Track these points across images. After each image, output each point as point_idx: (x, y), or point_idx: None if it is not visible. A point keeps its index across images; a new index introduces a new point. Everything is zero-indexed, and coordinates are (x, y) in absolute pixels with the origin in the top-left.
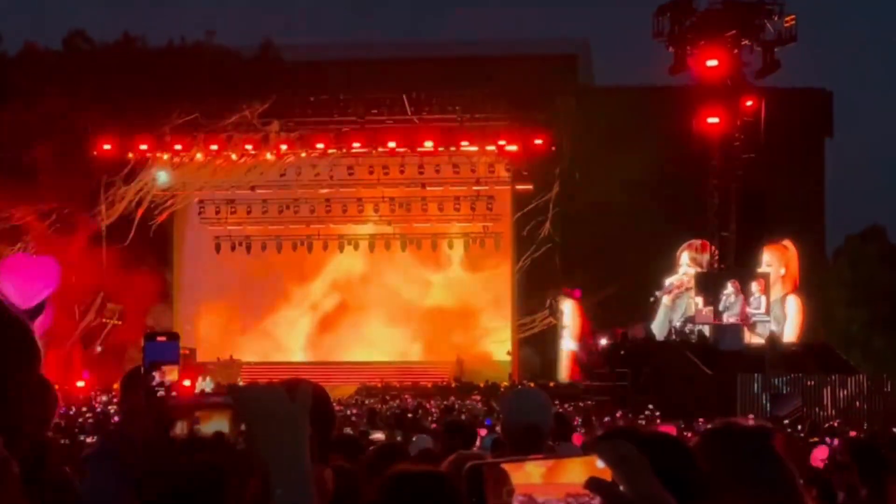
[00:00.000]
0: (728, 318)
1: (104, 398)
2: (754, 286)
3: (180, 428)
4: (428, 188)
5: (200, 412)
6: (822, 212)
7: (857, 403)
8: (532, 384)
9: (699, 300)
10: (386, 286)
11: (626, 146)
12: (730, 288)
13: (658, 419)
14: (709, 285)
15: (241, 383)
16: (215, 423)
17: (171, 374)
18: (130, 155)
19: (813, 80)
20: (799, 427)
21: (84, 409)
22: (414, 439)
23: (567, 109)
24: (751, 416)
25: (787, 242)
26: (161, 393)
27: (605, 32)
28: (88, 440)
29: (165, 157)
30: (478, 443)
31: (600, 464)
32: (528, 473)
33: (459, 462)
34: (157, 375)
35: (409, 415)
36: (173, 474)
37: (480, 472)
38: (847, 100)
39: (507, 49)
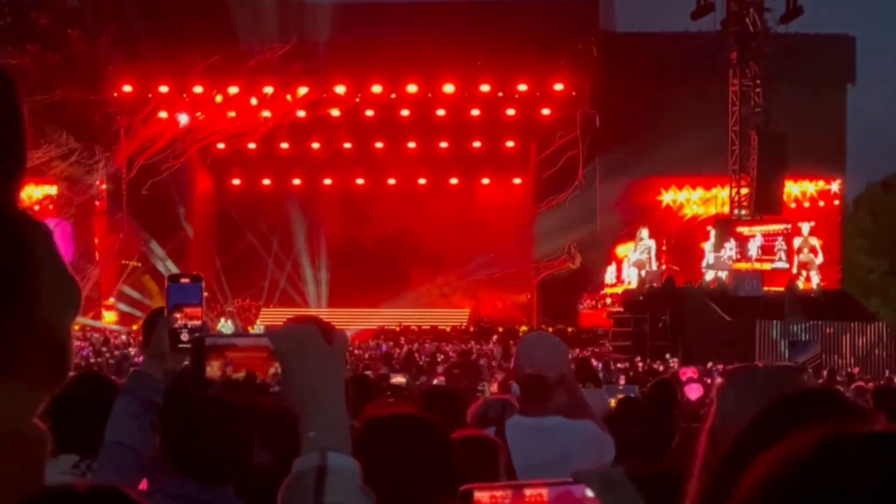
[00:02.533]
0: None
1: (123, 338)
2: (774, 232)
3: (213, 369)
4: (448, 132)
5: (234, 353)
6: (844, 159)
7: (877, 351)
8: (550, 329)
9: (727, 247)
10: (406, 230)
11: (648, 92)
12: (758, 237)
13: (676, 365)
14: (728, 231)
15: (260, 326)
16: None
17: (194, 315)
18: (151, 96)
19: (836, 26)
20: (825, 373)
21: (104, 349)
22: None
23: (588, 55)
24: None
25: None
26: (184, 335)
27: None
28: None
29: (185, 98)
30: (494, 388)
31: (589, 492)
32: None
33: (487, 405)
34: (179, 317)
35: (422, 356)
36: (195, 414)
37: (471, 495)
38: (870, 46)
39: None
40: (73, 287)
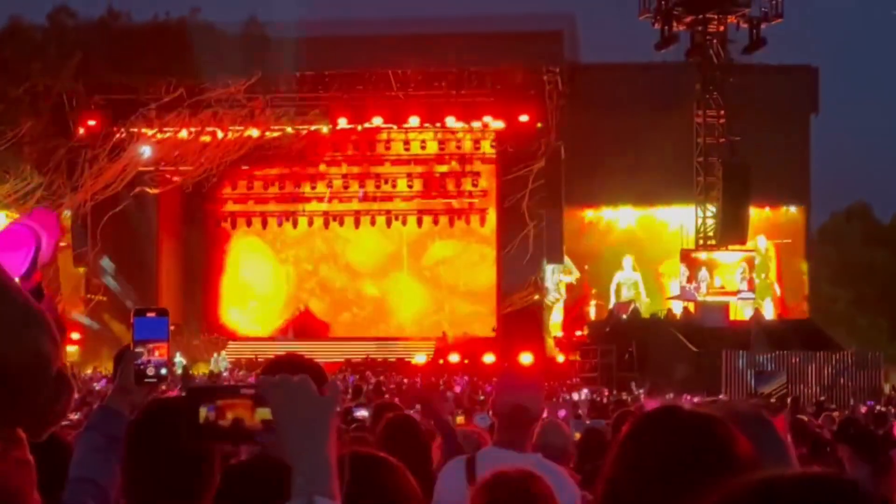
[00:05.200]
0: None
1: (88, 372)
2: (739, 263)
3: (200, 415)
4: (413, 164)
5: (223, 400)
6: (808, 189)
7: (842, 380)
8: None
9: (683, 277)
10: (371, 262)
11: (612, 123)
12: (723, 267)
13: (643, 396)
14: (693, 262)
15: (224, 358)
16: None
17: (159, 350)
18: (115, 130)
19: (799, 57)
20: (789, 401)
21: None
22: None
23: (553, 85)
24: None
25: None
26: (150, 370)
27: (592, 8)
28: (73, 416)
29: (150, 132)
30: (461, 420)
31: None
32: None
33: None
34: (144, 352)
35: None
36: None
37: None
38: (833, 77)
39: (493, 24)
40: (24, 314)
